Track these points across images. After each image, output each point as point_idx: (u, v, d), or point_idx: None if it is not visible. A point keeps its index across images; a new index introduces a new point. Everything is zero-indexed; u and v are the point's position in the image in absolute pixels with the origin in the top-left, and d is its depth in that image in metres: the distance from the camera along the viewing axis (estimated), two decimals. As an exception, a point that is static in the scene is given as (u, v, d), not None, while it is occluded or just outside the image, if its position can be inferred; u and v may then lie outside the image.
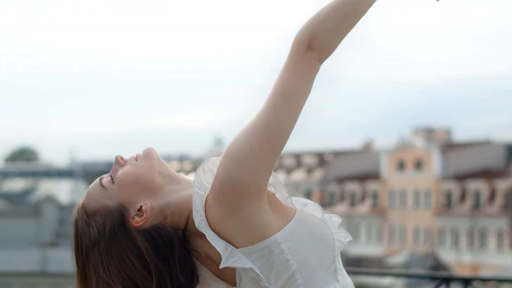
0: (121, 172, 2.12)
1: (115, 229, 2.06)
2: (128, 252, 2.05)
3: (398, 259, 42.34)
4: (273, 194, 2.07)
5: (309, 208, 2.06)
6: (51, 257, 17.40)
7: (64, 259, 17.39)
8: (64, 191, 69.01)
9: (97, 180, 2.14)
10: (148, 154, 2.14)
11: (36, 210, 42.42)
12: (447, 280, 5.21)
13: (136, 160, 2.14)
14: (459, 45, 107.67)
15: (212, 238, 2.00)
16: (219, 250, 1.99)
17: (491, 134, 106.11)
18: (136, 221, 2.07)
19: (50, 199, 45.61)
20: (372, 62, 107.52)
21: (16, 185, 75.67)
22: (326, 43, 2.03)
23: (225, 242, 1.99)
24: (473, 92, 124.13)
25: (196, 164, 70.40)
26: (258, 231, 1.98)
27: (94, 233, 2.06)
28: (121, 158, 2.16)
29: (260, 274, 1.99)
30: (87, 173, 80.00)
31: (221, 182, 1.97)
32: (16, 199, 63.33)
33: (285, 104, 1.99)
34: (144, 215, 2.07)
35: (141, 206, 2.08)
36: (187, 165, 71.34)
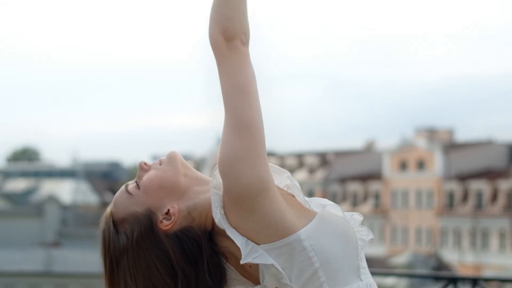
0: (146, 177, 2.13)
1: (143, 235, 2.07)
2: (155, 259, 2.06)
3: (401, 259, 42.32)
4: (293, 196, 2.08)
5: (330, 208, 2.07)
6: (55, 257, 17.38)
7: (68, 259, 17.41)
8: (66, 191, 69.01)
9: (122, 187, 2.15)
10: (171, 158, 2.15)
11: (38, 210, 42.37)
12: (454, 280, 5.23)
13: (160, 165, 2.15)
14: (462, 46, 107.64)
15: (233, 234, 2.02)
16: (239, 245, 2.01)
17: (494, 134, 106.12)
18: (165, 225, 2.08)
19: (52, 199, 45.53)
20: (374, 62, 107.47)
21: (18, 185, 75.69)
22: (237, 27, 2.05)
23: (245, 238, 2.01)
24: (475, 93, 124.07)
25: (198, 164, 70.29)
26: (279, 228, 2.00)
27: (122, 241, 2.08)
28: (145, 163, 2.17)
29: (281, 270, 2.00)
30: (89, 173, 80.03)
31: (226, 193, 2.01)
32: (18, 199, 63.34)
33: (238, 95, 2.03)
34: (172, 218, 2.08)
35: (168, 210, 2.09)
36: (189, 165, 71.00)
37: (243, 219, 2.01)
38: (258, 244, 2.01)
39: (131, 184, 2.14)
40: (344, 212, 2.08)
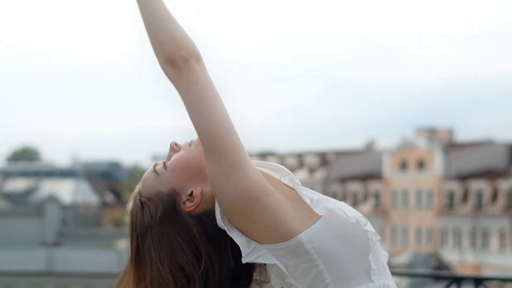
0: (174, 157, 2.16)
1: (167, 214, 2.09)
2: (178, 237, 2.07)
3: (401, 259, 42.26)
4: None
5: (339, 210, 2.05)
6: (56, 257, 17.42)
7: (69, 259, 17.44)
8: (66, 191, 68.98)
9: (151, 166, 2.18)
10: (199, 143, 2.13)
11: (38, 210, 42.34)
12: (458, 279, 5.23)
13: (190, 146, 2.17)
14: (462, 46, 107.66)
15: (233, 233, 2.03)
16: (238, 243, 2.02)
17: (494, 134, 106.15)
18: (187, 206, 2.10)
19: (52, 199, 45.50)
20: (374, 62, 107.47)
21: (18, 185, 75.65)
22: (172, 48, 2.05)
23: (248, 238, 2.02)
24: (475, 92, 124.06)
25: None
26: (279, 231, 2.00)
27: (147, 218, 2.10)
28: (176, 144, 2.19)
29: (285, 270, 2.01)
30: (89, 173, 80.00)
31: (221, 207, 2.04)
32: (18, 199, 63.30)
33: (195, 115, 2.03)
34: (195, 200, 2.10)
35: (192, 191, 2.10)
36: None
37: (240, 224, 2.03)
38: (262, 244, 2.02)
39: (159, 164, 2.16)
40: (352, 213, 2.06)
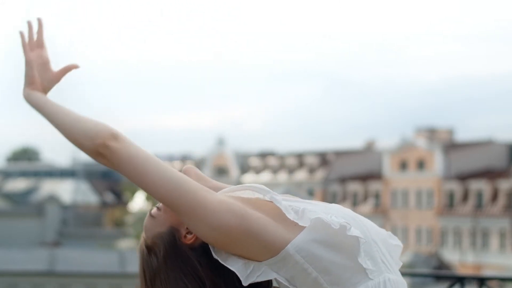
0: None
1: (169, 252, 2.15)
2: (182, 275, 2.14)
3: (402, 259, 42.13)
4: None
5: (325, 216, 2.12)
6: (58, 257, 17.43)
7: (70, 258, 17.45)
8: (66, 191, 68.95)
9: (148, 213, 2.26)
10: (185, 173, 2.24)
11: (38, 210, 42.35)
12: (461, 279, 5.24)
13: None
14: (462, 46, 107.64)
15: (230, 263, 2.11)
16: (234, 270, 2.10)
17: (494, 134, 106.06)
18: (188, 239, 2.17)
19: (52, 199, 45.53)
20: (374, 62, 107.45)
21: (18, 185, 75.61)
22: (93, 139, 2.12)
23: (243, 261, 2.10)
24: (475, 92, 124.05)
25: (198, 164, 70.30)
26: (267, 248, 2.08)
27: (153, 262, 2.17)
28: None
29: (285, 283, 2.10)
30: (89, 173, 79.93)
31: (210, 244, 2.12)
32: (19, 199, 63.27)
33: (143, 185, 2.10)
34: None
35: None
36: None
37: (234, 251, 2.10)
38: (260, 261, 2.09)
39: (154, 209, 2.24)
40: (342, 217, 2.13)
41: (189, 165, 2.30)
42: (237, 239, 2.06)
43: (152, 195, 2.11)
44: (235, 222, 2.06)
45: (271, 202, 2.14)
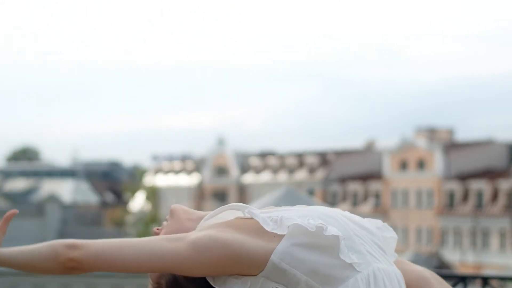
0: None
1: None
2: None
3: (402, 259, 42.38)
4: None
5: (311, 213, 2.23)
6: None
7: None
8: (66, 191, 69.05)
9: None
10: (172, 211, 2.36)
11: (38, 209, 42.42)
12: (464, 278, 5.23)
13: (167, 221, 2.36)
14: (462, 46, 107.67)
15: (227, 287, 2.20)
16: None
17: (494, 134, 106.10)
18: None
19: (53, 199, 45.55)
20: (374, 62, 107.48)
21: (18, 184, 75.69)
22: (53, 260, 2.16)
23: (240, 280, 2.18)
24: (475, 92, 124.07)
25: (198, 164, 70.28)
26: (256, 262, 2.16)
27: None
28: (157, 228, 2.37)
29: None
30: (90, 172, 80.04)
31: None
32: (19, 199, 63.37)
33: (121, 266, 2.17)
34: None
35: None
36: (189, 165, 71.23)
37: (229, 273, 2.20)
38: (256, 275, 2.17)
39: None
40: (322, 218, 2.22)
41: (175, 204, 2.37)
42: (225, 265, 2.15)
43: (137, 272, 2.19)
44: (216, 253, 2.15)
45: (251, 217, 2.22)
